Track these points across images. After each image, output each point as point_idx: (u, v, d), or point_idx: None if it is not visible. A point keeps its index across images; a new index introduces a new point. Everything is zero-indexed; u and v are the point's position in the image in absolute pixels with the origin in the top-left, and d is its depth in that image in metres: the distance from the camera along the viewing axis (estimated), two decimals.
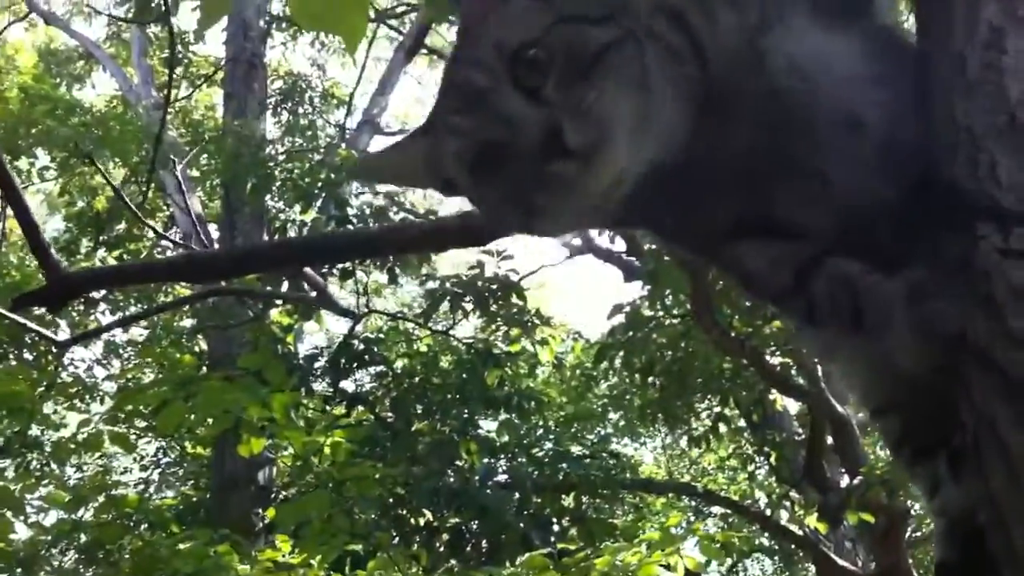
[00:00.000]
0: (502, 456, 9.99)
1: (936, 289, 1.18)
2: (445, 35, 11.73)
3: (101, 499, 5.99)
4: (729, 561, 13.87)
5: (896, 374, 1.24)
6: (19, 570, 5.59)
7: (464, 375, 10.16)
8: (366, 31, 1.81)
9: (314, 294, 6.87)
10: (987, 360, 1.10)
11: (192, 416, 5.08)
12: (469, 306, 9.74)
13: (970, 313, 1.13)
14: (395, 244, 3.16)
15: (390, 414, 9.75)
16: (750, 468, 11.81)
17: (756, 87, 1.31)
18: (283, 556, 5.37)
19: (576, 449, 11.88)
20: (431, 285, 9.79)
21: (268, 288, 7.66)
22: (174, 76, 12.20)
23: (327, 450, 5.13)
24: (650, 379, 9.87)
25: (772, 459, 11.40)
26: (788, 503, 10.42)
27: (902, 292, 1.20)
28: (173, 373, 5.36)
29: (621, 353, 9.71)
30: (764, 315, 8.61)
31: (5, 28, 10.60)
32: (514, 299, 9.79)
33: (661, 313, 9.60)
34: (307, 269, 5.82)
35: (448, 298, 9.55)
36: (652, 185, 1.37)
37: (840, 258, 1.29)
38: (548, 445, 11.15)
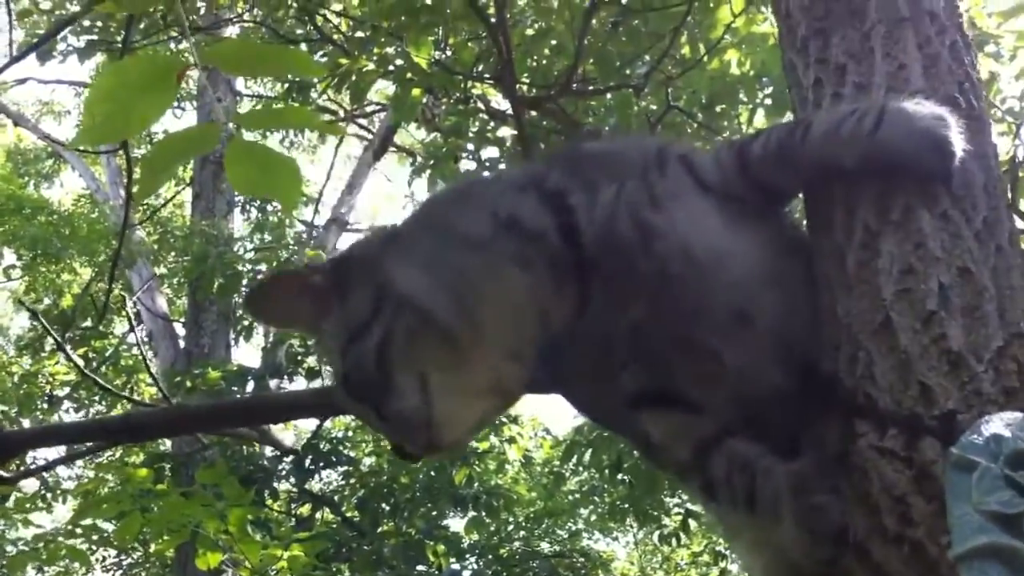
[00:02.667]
0: (469, 557, 9.91)
1: (820, 483, 1.23)
2: (414, 134, 11.89)
3: None
4: None
5: (792, 566, 1.28)
6: None
7: (432, 473, 10.10)
8: (300, 196, 1.88)
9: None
10: (865, 554, 1.15)
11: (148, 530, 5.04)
12: None
13: (850, 508, 1.19)
14: (327, 410, 3.19)
15: (356, 514, 9.66)
16: (722, 565, 11.73)
17: (646, 267, 1.38)
18: None
19: (546, 546, 11.81)
20: None
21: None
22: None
23: (284, 564, 5.10)
24: (619, 476, 9.87)
25: None
26: None
27: (790, 482, 1.25)
28: (131, 484, 5.32)
29: (589, 451, 9.72)
30: None
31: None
32: None
33: None
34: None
35: None
36: (549, 359, 1.45)
37: (739, 440, 1.34)
38: (517, 544, 11.08)
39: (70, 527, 5.41)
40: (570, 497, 12.31)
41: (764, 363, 1.35)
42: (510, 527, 11.62)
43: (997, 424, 1.05)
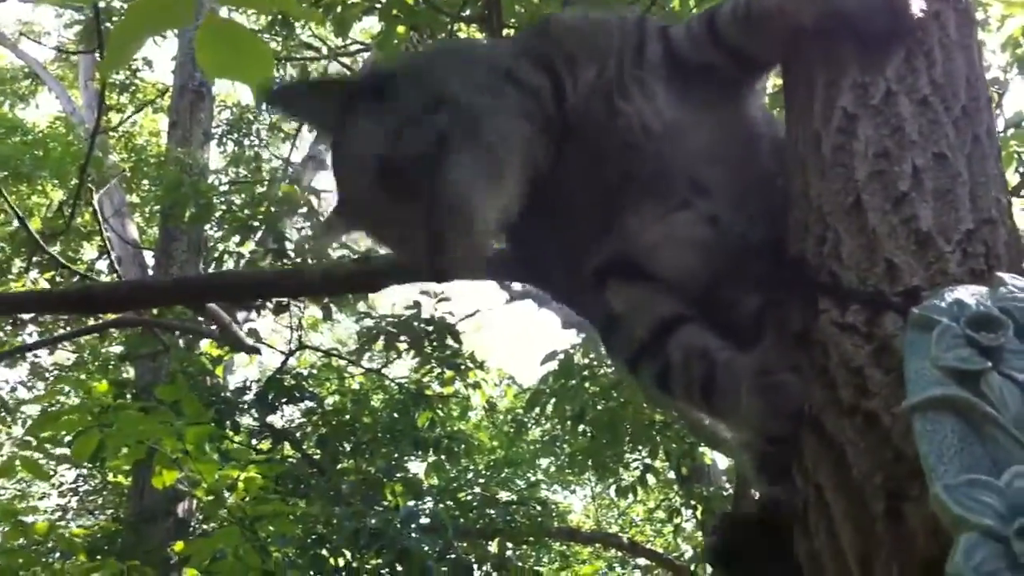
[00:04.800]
0: (428, 499, 9.94)
1: (781, 362, 1.22)
2: None
3: (6, 528, 5.88)
4: None
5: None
6: None
7: (395, 415, 10.11)
8: (272, 79, 1.83)
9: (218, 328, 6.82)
10: (819, 427, 1.14)
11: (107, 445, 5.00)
12: (404, 346, 9.71)
13: (809, 384, 1.18)
14: (290, 288, 3.15)
15: (317, 451, 9.66)
16: (677, 521, 11.81)
17: (610, 141, 1.40)
18: None
19: (505, 495, 11.86)
20: (367, 323, 9.75)
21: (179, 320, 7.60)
22: (120, 102, 12.15)
23: (241, 485, 5.08)
24: (580, 427, 9.94)
25: (699, 512, 11.43)
26: None
27: (753, 366, 1.24)
28: (91, 400, 5.28)
29: (553, 400, 9.76)
30: None
31: None
32: (449, 341, 9.78)
33: (595, 362, 9.67)
34: (211, 305, 5.78)
35: (383, 337, 9.53)
36: (527, 215, 1.46)
37: (698, 327, 1.34)
38: (476, 490, 11.11)
39: (27, 438, 5.35)
40: (532, 447, 12.35)
41: (720, 238, 1.36)
42: (470, 474, 11.65)
43: (962, 292, 1.04)
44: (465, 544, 9.67)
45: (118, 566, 5.33)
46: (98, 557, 6.55)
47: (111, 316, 5.10)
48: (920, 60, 1.28)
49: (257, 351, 7.34)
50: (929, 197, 1.19)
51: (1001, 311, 1.01)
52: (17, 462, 5.36)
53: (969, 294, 1.03)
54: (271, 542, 5.78)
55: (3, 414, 9.83)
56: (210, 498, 4.88)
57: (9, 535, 5.94)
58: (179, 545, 5.23)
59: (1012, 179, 6.74)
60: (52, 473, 12.00)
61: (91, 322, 7.88)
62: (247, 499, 5.11)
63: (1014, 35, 7.27)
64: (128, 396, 8.82)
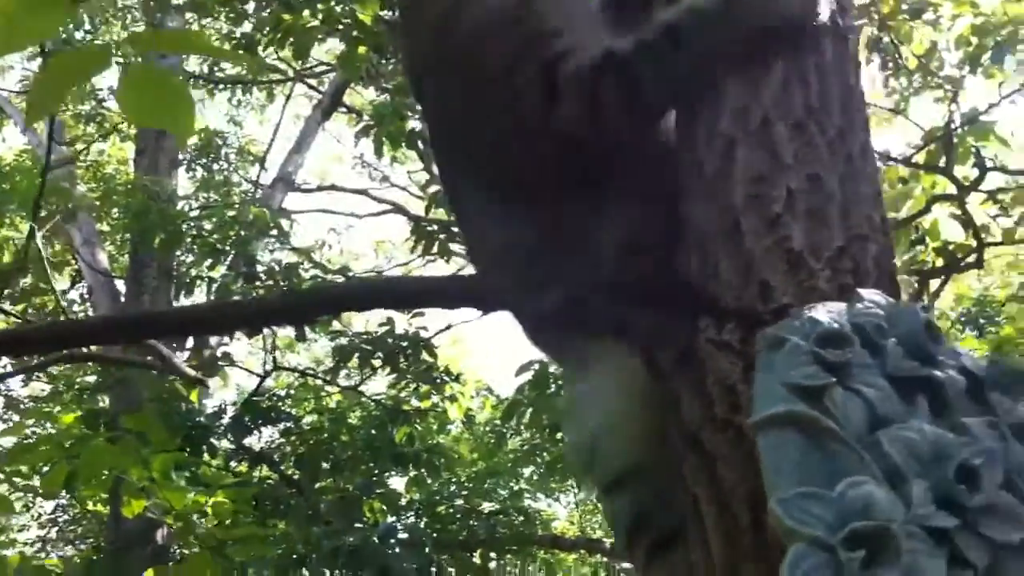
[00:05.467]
0: (408, 514, 9.98)
1: (669, 374, 1.28)
2: (365, 95, 11.83)
3: None
4: None
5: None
6: None
7: (373, 431, 10.13)
8: (194, 127, 1.88)
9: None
10: (698, 444, 1.20)
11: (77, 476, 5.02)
12: (378, 363, 9.74)
13: (688, 399, 1.23)
14: (218, 324, 3.18)
15: (295, 472, 9.67)
16: None
17: None
18: None
19: (488, 505, 11.88)
20: (342, 341, 9.78)
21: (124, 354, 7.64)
22: (86, 131, 12.15)
23: (210, 510, 5.11)
24: (558, 435, 9.98)
25: None
26: None
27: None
28: (60, 432, 5.30)
29: (530, 410, 9.80)
30: None
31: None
32: (425, 356, 9.82)
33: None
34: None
35: (357, 354, 9.55)
36: None
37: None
38: (459, 502, 11.14)
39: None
40: (512, 456, 12.38)
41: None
42: (452, 486, 11.68)
43: (820, 311, 1.09)
44: (447, 556, 9.70)
45: None
46: None
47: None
48: (795, 85, 1.34)
49: (204, 383, 7.36)
50: (802, 218, 1.25)
51: (853, 327, 1.07)
52: None
53: (826, 312, 1.09)
54: (250, 566, 5.81)
55: None
56: (179, 525, 4.90)
57: None
58: (149, 573, 5.24)
59: (971, 173, 6.84)
60: (30, 505, 11.99)
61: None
62: (220, 524, 5.13)
63: (964, 34, 7.37)
64: (102, 425, 8.85)
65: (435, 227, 9.60)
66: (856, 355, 1.04)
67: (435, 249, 9.61)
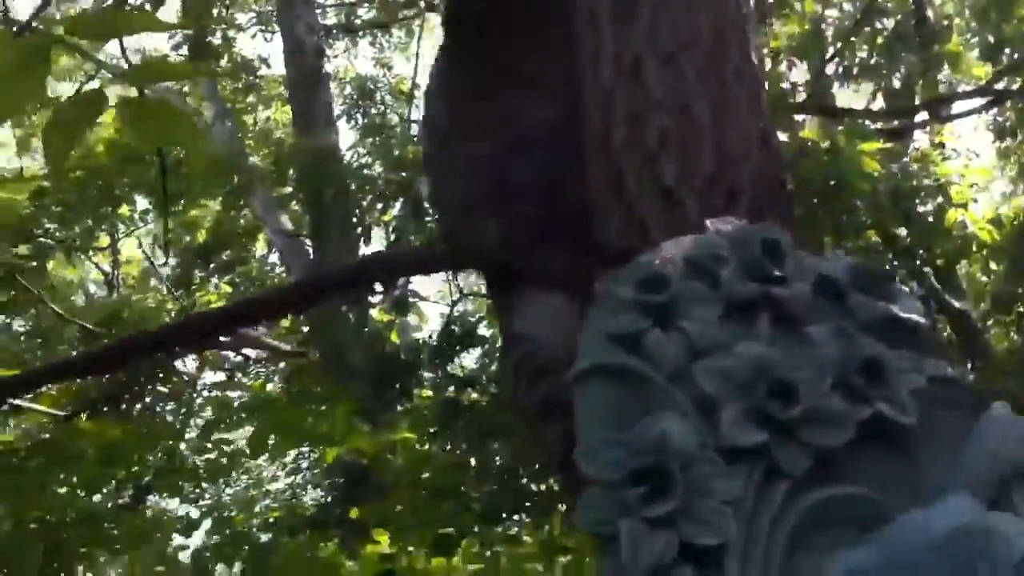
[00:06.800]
0: None
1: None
2: None
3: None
4: None
5: None
6: None
7: None
8: (204, 137, 2.06)
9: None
10: None
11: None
12: None
13: None
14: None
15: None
16: None
17: None
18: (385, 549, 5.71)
19: None
20: None
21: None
22: (247, 103, 12.69)
23: (400, 447, 5.46)
24: None
25: None
26: None
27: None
28: (251, 399, 5.76)
29: None
30: (857, 227, 8.68)
31: (80, 87, 11.22)
32: None
33: None
34: None
35: None
36: None
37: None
38: None
39: (203, 441, 5.88)
40: None
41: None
42: None
43: (651, 255, 1.16)
44: None
45: (319, 538, 5.82)
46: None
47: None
48: (664, 23, 1.38)
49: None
50: (674, 151, 1.31)
51: (688, 262, 1.14)
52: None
53: (660, 253, 1.16)
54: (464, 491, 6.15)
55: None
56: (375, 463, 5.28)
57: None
58: (353, 512, 5.65)
59: None
60: (276, 458, 12.85)
61: None
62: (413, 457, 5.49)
63: None
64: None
65: None
66: (684, 291, 1.11)
67: None
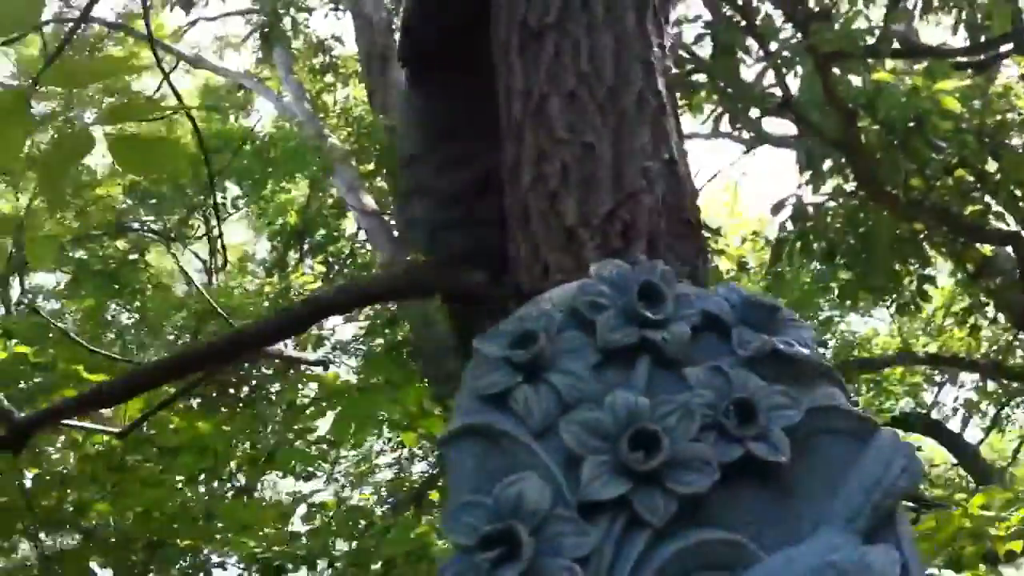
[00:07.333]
0: None
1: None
2: None
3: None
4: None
5: None
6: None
7: None
8: (188, 170, 2.14)
9: None
10: None
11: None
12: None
13: None
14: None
15: None
16: (970, 321, 11.34)
17: None
18: None
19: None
20: None
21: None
22: (326, 82, 12.85)
23: None
24: (836, 260, 9.77)
25: (991, 307, 10.99)
26: None
27: None
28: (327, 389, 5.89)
29: (798, 244, 9.64)
30: (945, 166, 8.49)
31: (159, 87, 11.50)
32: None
33: (826, 197, 9.48)
34: None
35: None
36: None
37: None
38: None
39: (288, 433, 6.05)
40: (805, 288, 12.19)
41: None
42: None
43: (529, 308, 1.19)
44: None
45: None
46: None
47: None
48: (567, 55, 1.40)
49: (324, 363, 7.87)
50: (575, 190, 1.33)
51: (569, 312, 1.16)
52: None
53: (539, 304, 1.18)
54: None
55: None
56: None
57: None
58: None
59: None
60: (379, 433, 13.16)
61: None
62: None
63: None
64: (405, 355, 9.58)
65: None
66: (559, 343, 1.14)
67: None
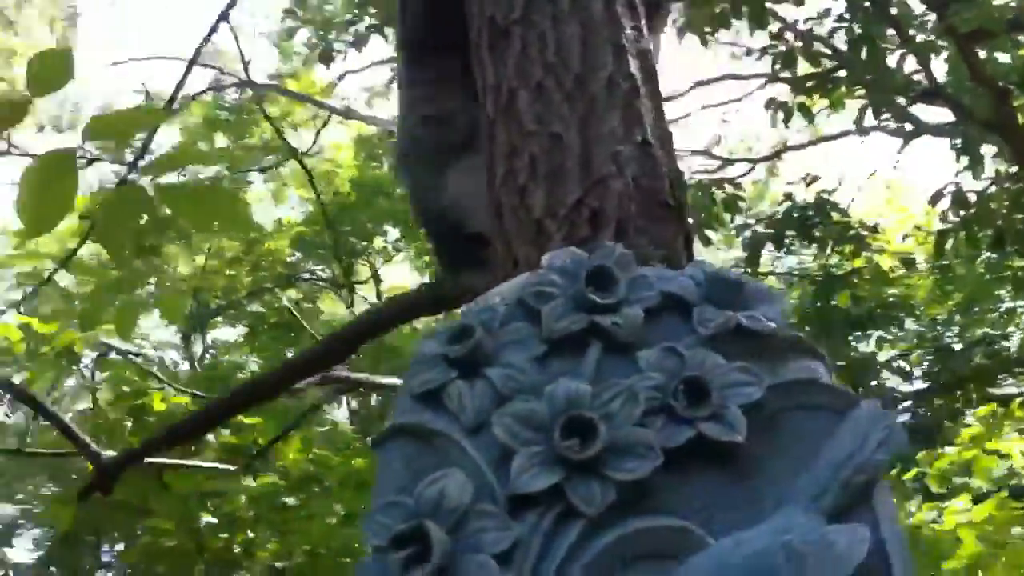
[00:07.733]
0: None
1: None
2: None
3: None
4: None
5: None
6: None
7: (818, 304, 10.14)
8: (250, 220, 2.21)
9: None
10: None
11: None
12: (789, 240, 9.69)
13: None
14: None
15: None
16: None
17: None
18: None
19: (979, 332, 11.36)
20: (746, 234, 9.83)
21: None
22: None
23: None
24: (1007, 247, 9.33)
25: None
26: None
27: None
28: None
29: (962, 234, 9.24)
30: None
31: (315, 140, 11.92)
32: (835, 216, 9.64)
33: (988, 182, 9.08)
34: None
35: (769, 242, 9.57)
36: None
37: None
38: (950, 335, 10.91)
39: None
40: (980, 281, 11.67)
41: None
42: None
43: (484, 298, 1.16)
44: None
45: None
46: None
47: None
48: (534, 48, 1.37)
49: None
50: (543, 182, 1.30)
51: (517, 302, 1.13)
52: None
53: (493, 294, 1.16)
54: None
55: None
56: None
57: None
58: None
59: None
60: None
61: None
62: None
63: None
64: None
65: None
66: (502, 337, 1.10)
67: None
